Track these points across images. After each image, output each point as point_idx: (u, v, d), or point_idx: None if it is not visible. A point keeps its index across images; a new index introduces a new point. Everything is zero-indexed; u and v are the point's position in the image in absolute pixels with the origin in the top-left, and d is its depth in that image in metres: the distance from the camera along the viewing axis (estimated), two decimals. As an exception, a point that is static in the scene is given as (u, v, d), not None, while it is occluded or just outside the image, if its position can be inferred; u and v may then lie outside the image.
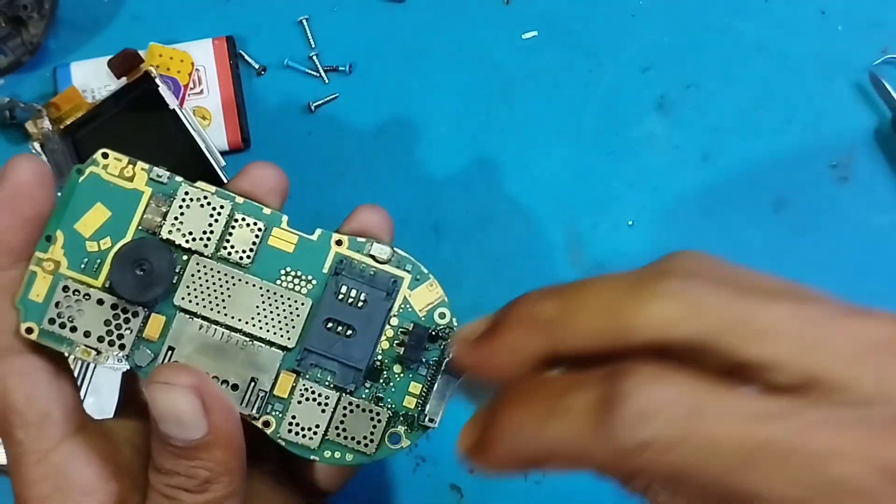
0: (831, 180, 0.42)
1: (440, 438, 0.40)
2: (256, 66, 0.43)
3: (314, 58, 0.43)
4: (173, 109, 0.41)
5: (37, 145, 0.41)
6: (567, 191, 0.42)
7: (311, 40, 0.43)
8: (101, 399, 0.37)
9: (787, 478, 0.20)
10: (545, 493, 0.39)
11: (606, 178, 0.42)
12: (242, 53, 0.43)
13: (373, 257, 0.31)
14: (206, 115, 0.42)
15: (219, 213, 0.31)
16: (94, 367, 0.37)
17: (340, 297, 0.31)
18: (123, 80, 0.41)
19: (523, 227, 0.41)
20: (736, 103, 0.42)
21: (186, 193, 0.31)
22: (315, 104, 0.43)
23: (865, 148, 0.42)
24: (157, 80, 0.41)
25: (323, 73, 0.43)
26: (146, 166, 0.31)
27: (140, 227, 0.31)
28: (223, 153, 0.42)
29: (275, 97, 0.43)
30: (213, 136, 0.42)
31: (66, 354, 0.31)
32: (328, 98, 0.43)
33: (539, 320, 0.23)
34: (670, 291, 0.21)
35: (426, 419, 0.31)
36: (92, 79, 0.42)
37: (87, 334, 0.31)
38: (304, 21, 0.43)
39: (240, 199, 0.31)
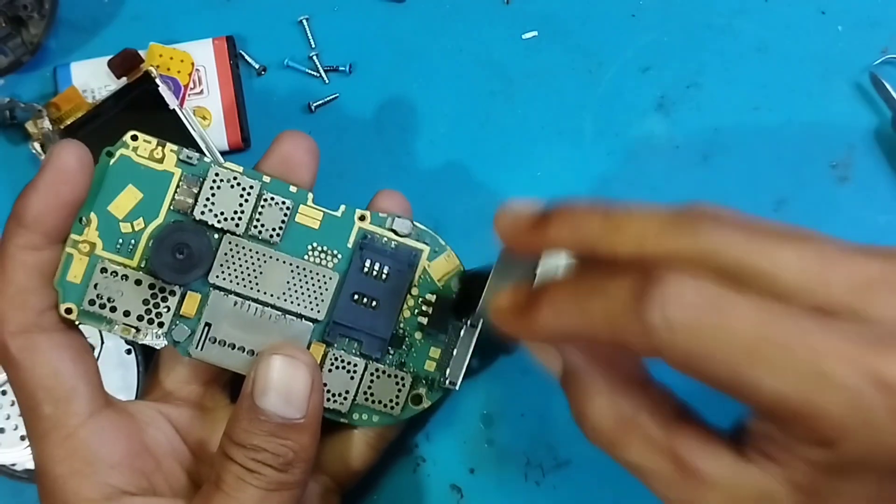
0: (831, 180, 0.42)
1: (440, 438, 0.40)
2: (256, 66, 0.43)
3: (314, 58, 0.43)
4: (173, 109, 0.41)
5: (37, 145, 0.41)
6: (567, 191, 0.42)
7: (311, 40, 0.43)
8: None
9: (785, 371, 0.22)
10: (545, 493, 0.39)
11: (606, 178, 0.42)
12: (242, 53, 0.43)
13: (394, 231, 0.33)
14: (206, 115, 0.42)
15: (248, 193, 0.32)
16: (99, 353, 0.38)
17: (365, 270, 0.33)
18: (123, 80, 0.41)
19: (523, 227, 0.41)
20: (736, 103, 0.42)
21: (217, 175, 0.32)
22: (315, 104, 0.43)
23: (865, 148, 0.42)
24: (157, 80, 0.41)
25: (323, 73, 0.43)
26: (175, 147, 0.32)
27: (172, 208, 0.31)
28: (223, 153, 0.42)
29: (275, 97, 0.43)
30: (213, 136, 0.42)
31: (107, 332, 0.31)
32: (328, 98, 0.43)
33: (584, 231, 0.26)
34: (701, 227, 0.25)
35: (447, 381, 0.33)
36: (92, 79, 0.42)
37: (126, 314, 0.32)
38: (304, 21, 0.44)
39: (267, 179, 0.32)
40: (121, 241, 0.31)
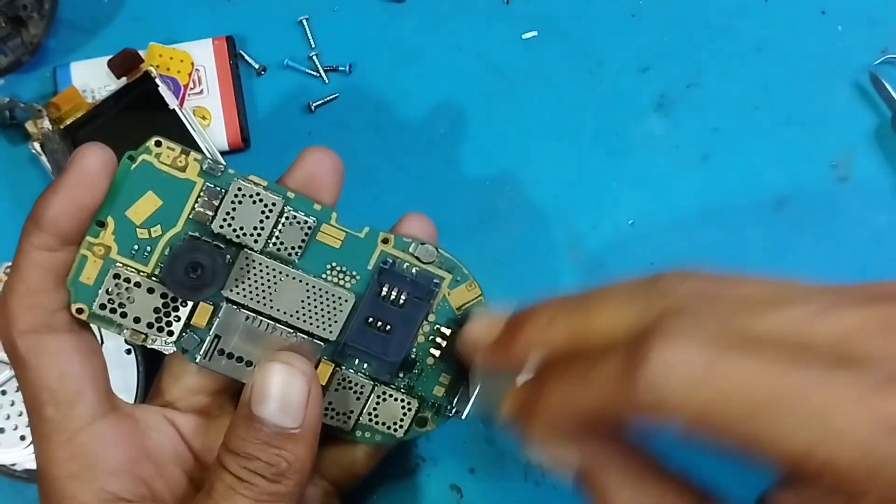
0: (831, 180, 0.42)
1: (440, 439, 0.40)
2: (256, 66, 0.43)
3: (314, 58, 0.43)
4: (173, 109, 0.41)
5: (37, 145, 0.41)
6: (567, 191, 0.42)
7: (311, 40, 0.43)
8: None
9: (792, 428, 0.22)
10: (545, 493, 0.39)
11: (606, 178, 0.42)
12: (242, 53, 0.43)
13: (417, 258, 0.32)
14: (206, 115, 0.42)
15: (270, 210, 0.31)
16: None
17: (382, 294, 0.32)
18: (123, 80, 0.41)
19: (523, 227, 0.41)
20: (736, 103, 0.42)
21: (239, 189, 0.31)
22: (315, 104, 0.43)
23: (865, 148, 0.42)
24: (157, 80, 0.41)
25: (323, 73, 0.43)
26: (199, 156, 0.31)
27: (191, 218, 0.31)
28: (223, 153, 0.42)
29: (275, 97, 0.43)
30: (213, 136, 0.42)
31: (115, 334, 0.31)
32: (328, 98, 0.43)
33: (549, 343, 0.27)
34: (675, 324, 0.24)
35: (453, 411, 0.33)
36: (92, 79, 0.42)
37: (136, 320, 0.31)
38: (304, 21, 0.44)
39: (291, 195, 0.32)
40: (136, 246, 0.31)
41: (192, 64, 0.42)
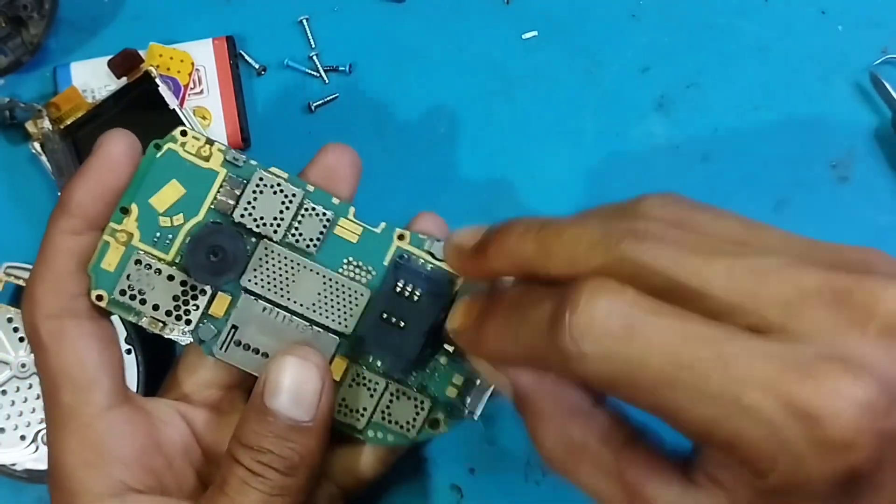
0: (831, 180, 0.42)
1: (440, 438, 0.40)
2: (256, 66, 0.43)
3: (314, 58, 0.43)
4: (173, 109, 0.41)
5: (37, 145, 0.41)
6: (567, 191, 0.42)
7: (311, 40, 0.43)
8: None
9: (703, 399, 0.21)
10: (545, 493, 0.39)
11: (606, 178, 0.42)
12: (242, 53, 0.43)
13: (432, 254, 0.33)
14: (206, 115, 0.42)
15: (290, 201, 0.32)
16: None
17: (398, 290, 0.32)
18: (123, 80, 0.41)
19: (523, 227, 0.41)
20: (736, 103, 0.42)
21: (261, 179, 0.31)
22: (315, 104, 0.43)
23: (865, 148, 0.42)
24: (157, 80, 0.41)
25: (323, 73, 0.43)
26: (223, 147, 0.32)
27: (213, 207, 0.31)
28: (223, 153, 0.42)
29: (275, 97, 0.43)
30: (213, 136, 0.42)
31: (133, 322, 0.31)
32: (328, 98, 0.43)
33: (519, 256, 0.26)
34: (627, 246, 0.23)
35: (466, 411, 0.33)
36: (92, 79, 0.42)
37: (155, 307, 0.32)
38: (304, 21, 0.44)
39: (311, 188, 0.32)
40: (158, 234, 0.31)
41: (192, 64, 0.42)
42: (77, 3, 0.44)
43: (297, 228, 0.32)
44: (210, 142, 0.32)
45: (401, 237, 0.33)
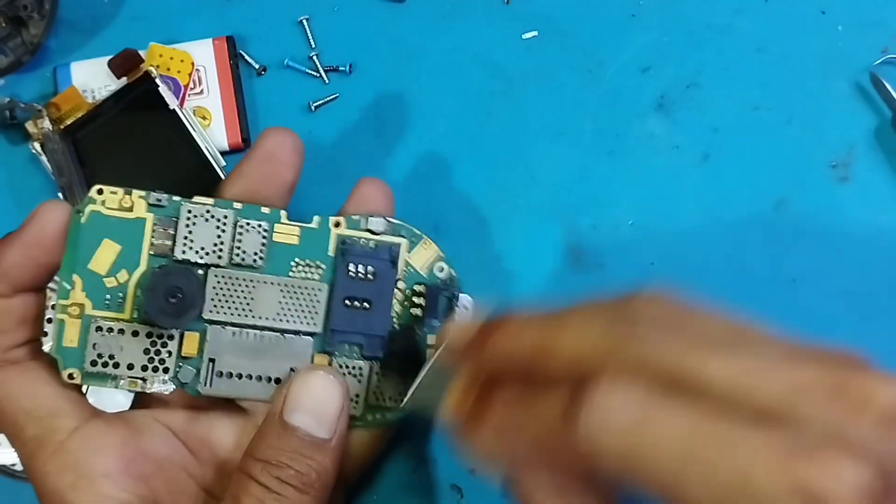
0: (831, 180, 0.42)
1: (440, 439, 0.40)
2: (256, 66, 0.43)
3: (314, 58, 0.43)
4: (173, 109, 0.41)
5: (37, 145, 0.41)
6: (567, 191, 0.42)
7: (311, 40, 0.43)
8: (102, 397, 0.37)
9: (713, 484, 0.22)
10: (545, 493, 0.39)
11: (606, 178, 0.42)
12: (242, 53, 0.43)
13: (370, 231, 0.33)
14: (206, 115, 0.42)
15: (224, 223, 0.32)
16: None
17: (351, 274, 0.33)
18: (123, 80, 0.41)
19: (523, 226, 0.41)
20: (736, 103, 0.42)
21: (189, 211, 0.32)
22: (315, 104, 0.43)
23: (865, 148, 0.42)
24: (157, 80, 0.41)
25: (323, 73, 0.43)
26: (143, 193, 0.32)
27: (152, 253, 0.31)
28: (223, 153, 0.42)
29: (275, 97, 0.43)
30: (213, 136, 0.42)
31: (112, 388, 0.31)
32: (328, 98, 0.43)
33: (518, 352, 0.27)
34: (633, 341, 0.25)
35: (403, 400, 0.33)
36: (92, 79, 0.42)
37: (129, 367, 0.32)
38: (304, 21, 0.44)
39: (238, 205, 0.32)
40: (108, 296, 0.31)
41: (193, 64, 0.42)
42: (77, 3, 0.44)
43: (238, 247, 0.32)
44: (128, 191, 0.31)
45: (337, 224, 0.33)
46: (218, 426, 0.34)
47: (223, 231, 0.32)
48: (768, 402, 0.23)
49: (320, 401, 0.30)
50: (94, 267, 0.31)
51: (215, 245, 0.32)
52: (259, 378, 0.32)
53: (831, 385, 0.23)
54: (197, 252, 0.31)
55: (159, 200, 0.32)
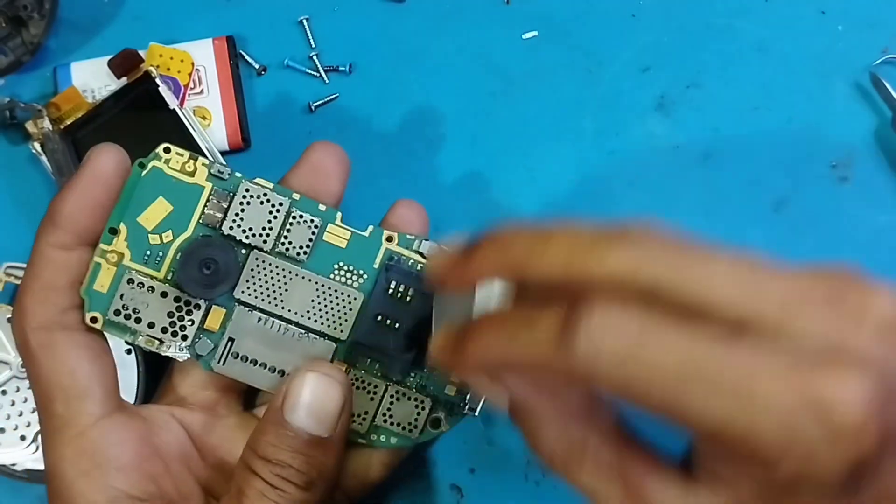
0: (831, 180, 0.42)
1: (440, 438, 0.40)
2: (256, 66, 0.43)
3: (314, 58, 0.43)
4: (173, 109, 0.41)
5: (37, 145, 0.41)
6: (567, 191, 0.42)
7: (311, 40, 0.43)
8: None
9: (716, 396, 0.22)
10: (545, 493, 0.39)
11: (606, 178, 0.42)
12: (242, 53, 0.43)
13: (421, 254, 0.33)
14: (206, 115, 0.42)
15: (277, 210, 0.32)
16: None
17: (390, 291, 0.32)
18: (123, 80, 0.41)
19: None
20: (736, 103, 0.42)
21: (247, 190, 0.32)
22: (315, 104, 0.43)
23: (865, 148, 0.42)
24: (157, 80, 0.41)
25: (323, 73, 0.43)
26: (207, 161, 0.32)
27: (201, 222, 0.32)
28: (223, 153, 0.42)
29: (275, 97, 0.43)
30: (213, 136, 0.42)
31: (130, 342, 0.32)
32: (328, 98, 0.43)
33: (510, 255, 0.26)
34: (628, 245, 0.24)
35: (467, 408, 0.33)
36: (92, 79, 0.42)
37: (150, 325, 0.32)
38: (304, 21, 0.44)
39: (297, 196, 0.32)
40: (149, 252, 0.31)
41: (193, 64, 0.42)
42: (77, 3, 0.44)
43: (286, 237, 0.32)
44: (194, 157, 0.32)
45: (389, 239, 0.33)
46: (233, 435, 0.34)
47: (275, 217, 0.32)
48: (766, 315, 0.22)
49: (319, 399, 0.30)
50: (143, 221, 0.31)
51: (264, 229, 0.32)
52: (273, 370, 0.32)
53: (829, 296, 0.22)
54: (244, 231, 0.31)
55: (221, 172, 0.32)
